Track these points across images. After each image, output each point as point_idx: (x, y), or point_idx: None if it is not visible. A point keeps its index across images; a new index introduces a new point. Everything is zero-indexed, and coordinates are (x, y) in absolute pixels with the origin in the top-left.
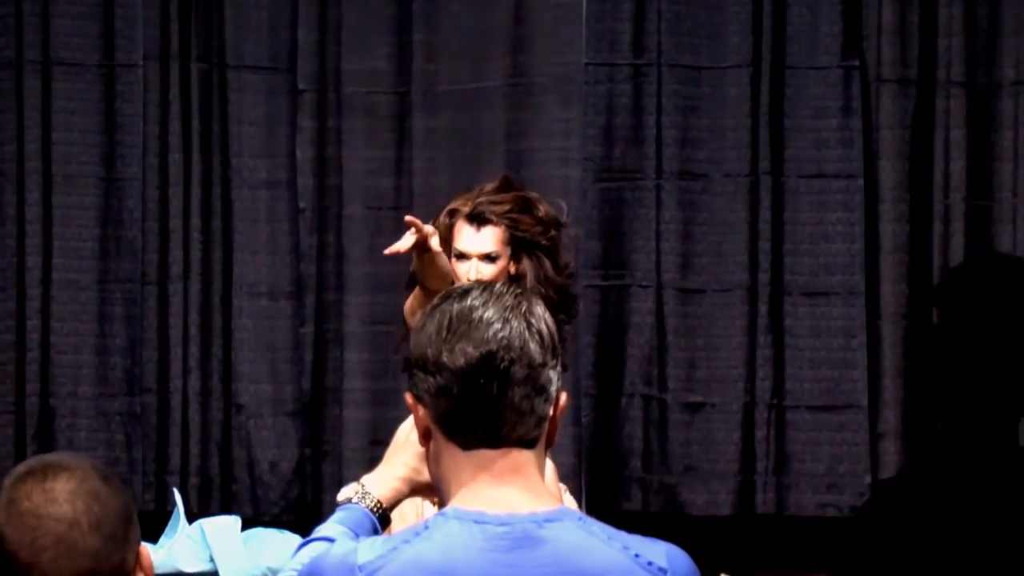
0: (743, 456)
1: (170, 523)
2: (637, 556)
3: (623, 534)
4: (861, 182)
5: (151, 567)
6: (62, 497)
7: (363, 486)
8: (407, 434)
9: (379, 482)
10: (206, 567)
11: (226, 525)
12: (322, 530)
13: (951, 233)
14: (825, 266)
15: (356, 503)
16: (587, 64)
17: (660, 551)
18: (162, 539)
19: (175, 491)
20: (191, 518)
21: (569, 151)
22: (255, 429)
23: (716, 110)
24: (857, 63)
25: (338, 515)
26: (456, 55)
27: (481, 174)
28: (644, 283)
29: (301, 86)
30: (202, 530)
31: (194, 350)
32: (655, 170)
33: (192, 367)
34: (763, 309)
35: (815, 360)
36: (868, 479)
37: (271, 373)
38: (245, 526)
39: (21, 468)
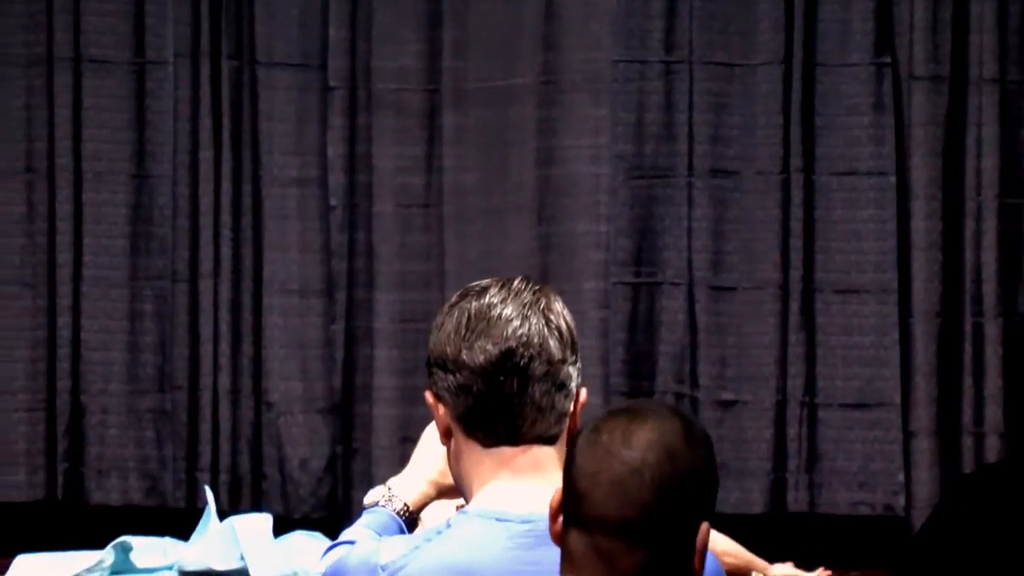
0: (775, 454)
1: (201, 521)
2: None
3: None
4: (893, 179)
5: (705, 543)
6: (637, 443)
7: (390, 489)
8: (432, 437)
9: (406, 485)
10: (237, 565)
11: (258, 524)
12: (349, 533)
13: (983, 230)
14: (857, 264)
15: (383, 506)
16: (618, 61)
17: None
18: (193, 536)
19: (206, 488)
20: (221, 516)
21: (599, 148)
22: (285, 426)
23: (748, 107)
24: (889, 60)
25: (365, 518)
26: (486, 52)
27: (511, 171)
28: (676, 280)
29: (331, 83)
30: (233, 528)
31: (224, 347)
32: (686, 167)
33: (223, 364)
34: (795, 307)
35: (847, 358)
36: (901, 477)
37: (301, 370)
38: (276, 523)
39: (622, 404)
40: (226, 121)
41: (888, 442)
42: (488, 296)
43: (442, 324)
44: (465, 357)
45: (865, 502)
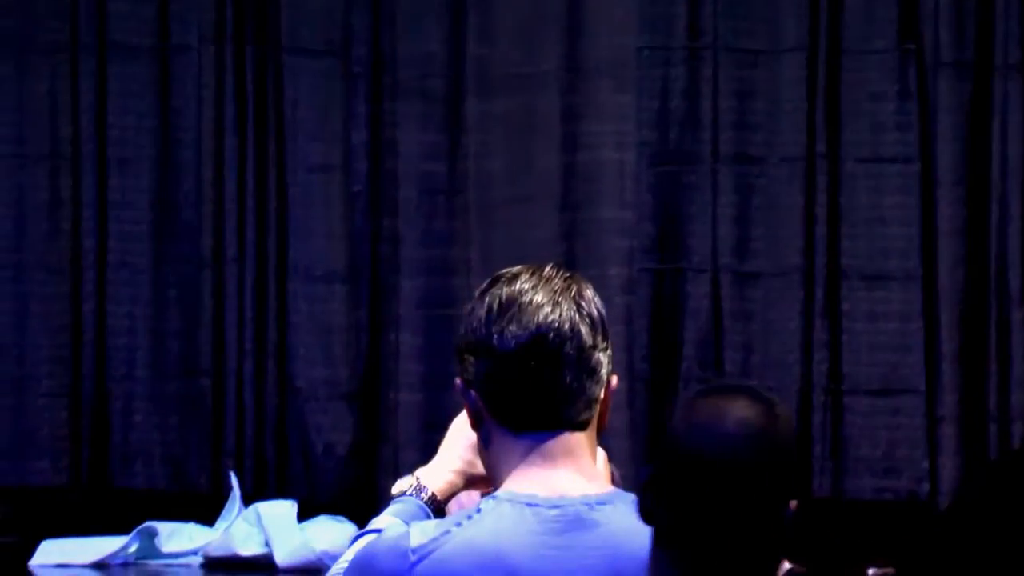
0: (800, 440)
1: (226, 506)
2: None
3: None
4: (918, 166)
5: (793, 517)
6: (729, 418)
7: (418, 479)
8: (461, 427)
9: (433, 475)
10: (261, 551)
11: (282, 509)
12: (377, 522)
13: (1008, 217)
14: (882, 250)
15: (411, 496)
16: (642, 48)
17: None
18: (218, 522)
19: (231, 474)
20: (247, 501)
21: (624, 135)
22: (310, 412)
23: (772, 94)
24: (914, 46)
25: (393, 508)
26: (511, 39)
27: (536, 158)
28: (700, 267)
29: (356, 69)
30: (258, 513)
31: (249, 333)
32: (711, 154)
33: (247, 350)
34: (819, 293)
35: (872, 344)
36: (925, 464)
37: (326, 356)
38: (300, 509)
39: (717, 382)
40: (251, 107)
41: (913, 428)
42: (519, 282)
43: (473, 310)
44: (496, 343)
45: (889, 488)
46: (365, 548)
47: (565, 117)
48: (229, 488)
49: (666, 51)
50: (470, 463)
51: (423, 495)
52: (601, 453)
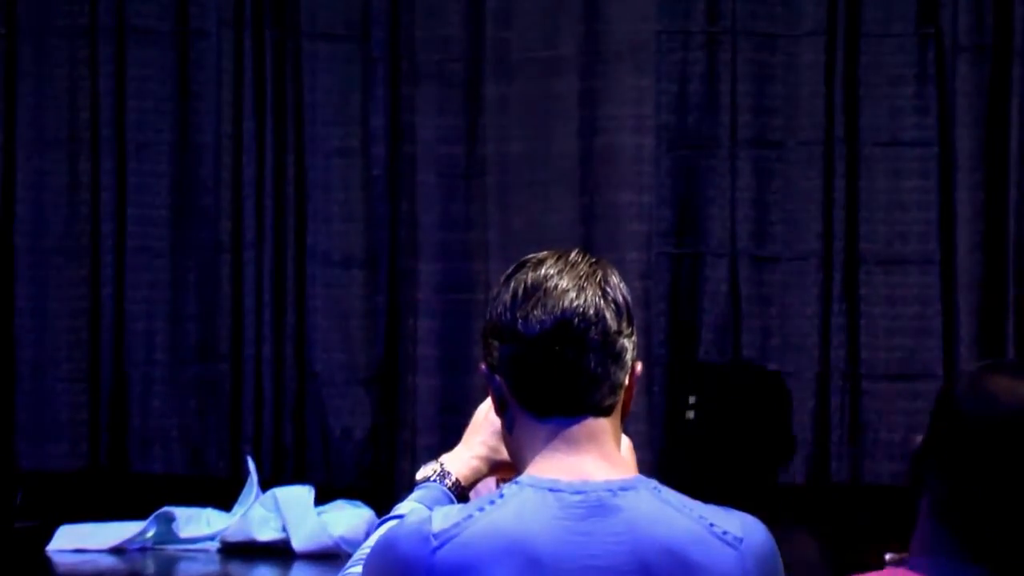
0: (817, 424)
1: (244, 491)
2: (712, 526)
3: (699, 504)
4: (936, 150)
5: None
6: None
7: (442, 465)
8: (485, 413)
9: (457, 461)
10: (278, 536)
11: (300, 494)
12: (400, 508)
13: None
14: (900, 234)
15: (435, 481)
16: (661, 32)
17: (736, 521)
18: (235, 507)
19: (249, 459)
20: (264, 486)
21: (643, 119)
22: (328, 397)
23: (791, 78)
24: (932, 30)
25: (417, 493)
26: (529, 22)
27: (554, 142)
28: (718, 251)
29: (374, 54)
30: (276, 498)
31: (268, 318)
32: (729, 138)
33: (266, 335)
34: (837, 277)
35: (890, 329)
36: None
37: (344, 341)
38: (318, 493)
39: (1001, 359)
40: (269, 92)
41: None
42: (544, 267)
43: (498, 295)
44: (521, 328)
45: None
46: (387, 533)
47: (583, 101)
48: (247, 473)
49: (685, 35)
50: (494, 449)
51: (447, 481)
52: (626, 440)
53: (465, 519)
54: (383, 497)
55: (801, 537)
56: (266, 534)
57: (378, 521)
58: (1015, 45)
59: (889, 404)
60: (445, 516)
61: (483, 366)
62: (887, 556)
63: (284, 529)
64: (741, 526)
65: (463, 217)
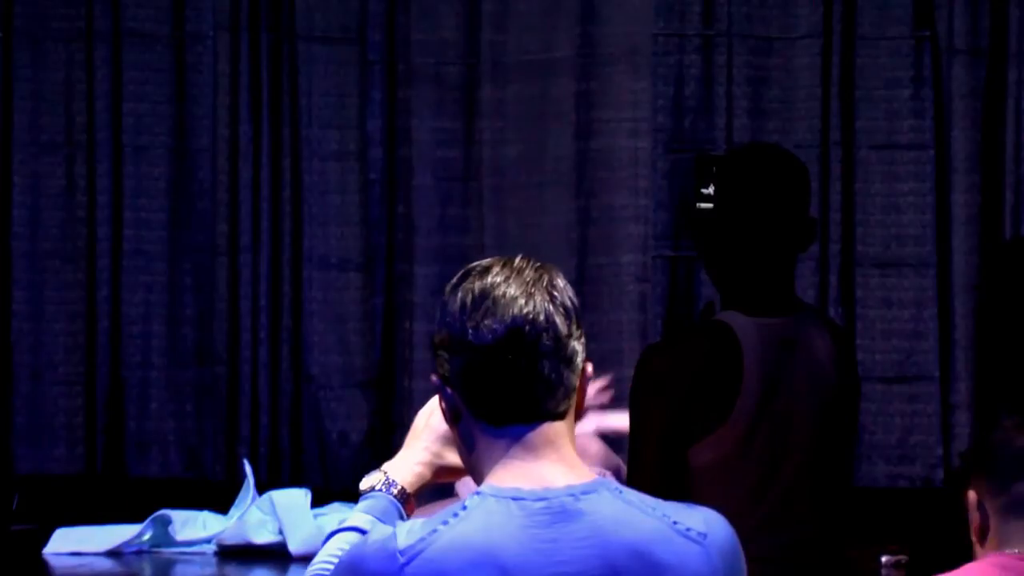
0: None
1: (240, 494)
2: (676, 523)
3: (660, 502)
4: (932, 153)
5: None
6: None
7: (386, 474)
8: (426, 419)
9: (402, 468)
10: (275, 539)
11: (296, 498)
12: (350, 520)
13: (1023, 204)
14: (896, 237)
15: (380, 491)
16: (657, 34)
17: (698, 517)
18: (232, 510)
19: (245, 462)
20: (261, 489)
21: (639, 122)
22: (325, 400)
23: (786, 81)
24: (928, 34)
25: (364, 504)
26: (525, 25)
27: (550, 145)
28: None
29: (370, 57)
30: (272, 502)
31: (264, 321)
32: (725, 141)
33: (262, 338)
34: (833, 280)
35: (887, 331)
36: (940, 450)
37: (341, 344)
38: (315, 497)
39: None
40: (265, 95)
41: (927, 415)
42: (491, 275)
43: (445, 305)
44: (472, 337)
45: (904, 475)
46: (351, 552)
47: (579, 104)
48: (243, 476)
49: (681, 38)
50: (437, 454)
51: (393, 490)
52: (599, 443)
53: (430, 533)
54: None
55: None
56: (263, 537)
57: (329, 532)
58: (1011, 48)
59: (885, 406)
60: (410, 531)
61: (435, 378)
62: (883, 559)
63: (280, 532)
64: (704, 521)
65: (460, 220)
